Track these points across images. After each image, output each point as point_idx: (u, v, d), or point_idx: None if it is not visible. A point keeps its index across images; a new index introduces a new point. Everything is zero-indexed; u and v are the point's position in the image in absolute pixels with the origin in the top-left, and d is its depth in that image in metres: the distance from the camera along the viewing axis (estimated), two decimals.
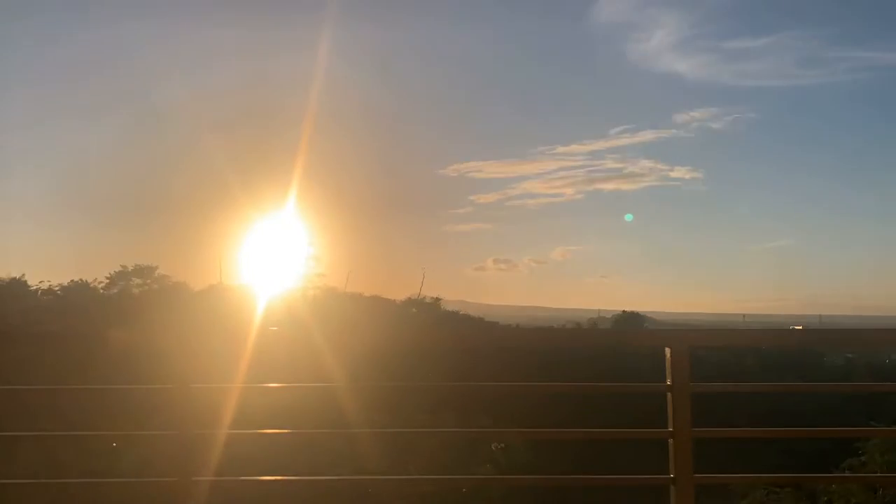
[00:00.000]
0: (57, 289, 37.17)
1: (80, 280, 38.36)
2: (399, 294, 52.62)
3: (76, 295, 36.42)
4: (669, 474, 2.53)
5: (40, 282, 36.88)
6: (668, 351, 2.61)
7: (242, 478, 4.18)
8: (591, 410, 28.51)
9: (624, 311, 51.60)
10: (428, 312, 43.64)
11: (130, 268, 39.34)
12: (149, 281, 39.43)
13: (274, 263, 44.35)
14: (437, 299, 47.27)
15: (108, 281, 38.89)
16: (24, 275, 36.04)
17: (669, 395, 2.55)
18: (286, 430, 5.41)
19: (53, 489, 2.79)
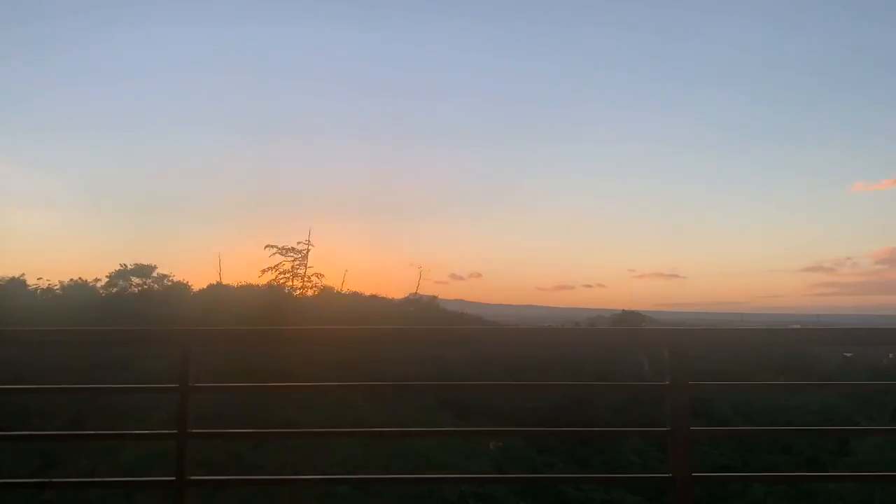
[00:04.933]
0: (56, 288, 37.20)
1: (80, 279, 38.40)
2: (397, 293, 52.72)
3: (75, 294, 36.43)
4: (668, 473, 2.53)
5: (38, 279, 36.94)
6: (666, 350, 2.61)
7: (240, 477, 4.17)
8: (591, 409, 28.59)
9: (623, 311, 51.62)
10: (425, 311, 43.69)
11: (130, 266, 39.34)
12: (148, 280, 39.43)
13: (273, 263, 44.23)
14: (434, 297, 47.37)
15: (107, 280, 38.90)
16: (23, 274, 36.09)
17: (668, 394, 2.55)
18: (286, 431, 5.42)
19: (53, 488, 2.78)
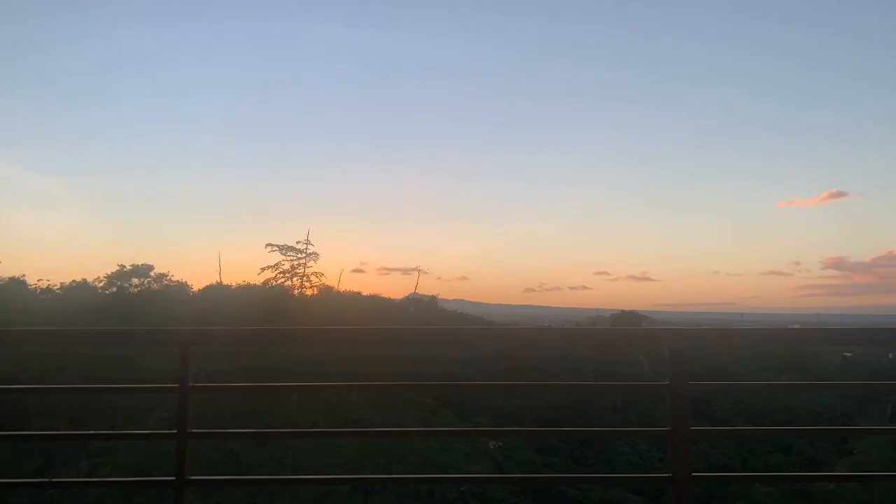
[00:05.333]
0: (56, 288, 37.19)
1: (81, 280, 38.40)
2: (394, 293, 52.80)
3: (75, 294, 36.42)
4: (668, 473, 2.53)
5: (38, 280, 36.95)
6: (666, 350, 2.60)
7: (240, 477, 4.17)
8: (591, 409, 28.60)
9: (623, 311, 51.60)
10: (425, 311, 43.67)
11: (129, 267, 39.30)
12: (147, 280, 39.40)
13: (272, 261, 44.24)
14: (434, 297, 47.40)
15: (106, 280, 38.87)
16: (24, 275, 36.10)
17: (668, 393, 2.55)
18: (286, 430, 5.43)
19: (54, 487, 2.78)
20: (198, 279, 54.91)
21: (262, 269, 43.54)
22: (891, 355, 43.31)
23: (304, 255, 43.71)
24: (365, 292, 46.10)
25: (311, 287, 44.48)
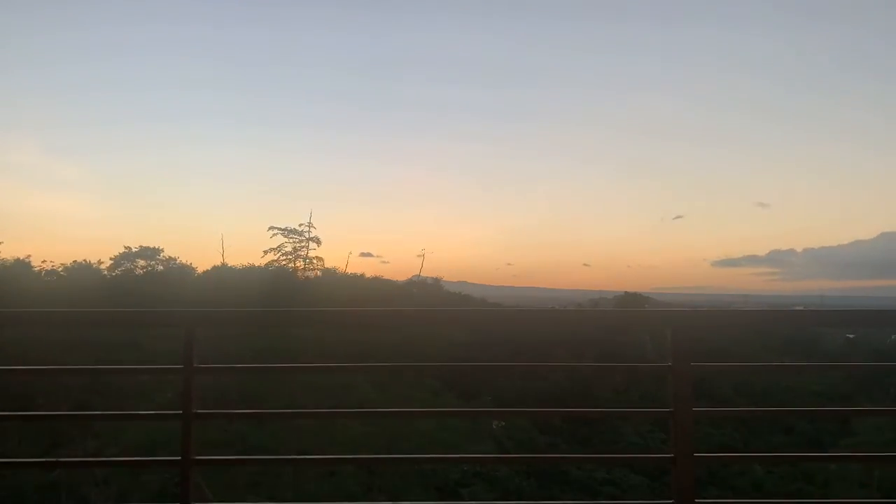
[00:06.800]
0: (60, 269, 37.27)
1: (84, 261, 38.45)
2: (400, 275, 52.94)
3: (79, 276, 36.50)
4: (670, 453, 2.54)
5: (43, 261, 36.98)
6: (669, 331, 2.60)
7: (245, 457, 4.22)
8: (594, 389, 28.74)
9: (626, 292, 51.61)
10: (429, 293, 43.78)
11: (135, 249, 39.37)
12: (153, 262, 39.47)
13: (275, 244, 44.25)
14: (438, 279, 47.53)
15: (111, 262, 38.97)
16: (29, 256, 36.12)
17: (671, 374, 2.55)
18: (290, 411, 5.45)
19: (61, 467, 2.81)
20: (203, 261, 54.94)
21: (265, 252, 43.57)
22: (894, 336, 43.34)
23: (305, 237, 43.73)
24: (368, 274, 46.24)
25: (313, 270, 44.55)
